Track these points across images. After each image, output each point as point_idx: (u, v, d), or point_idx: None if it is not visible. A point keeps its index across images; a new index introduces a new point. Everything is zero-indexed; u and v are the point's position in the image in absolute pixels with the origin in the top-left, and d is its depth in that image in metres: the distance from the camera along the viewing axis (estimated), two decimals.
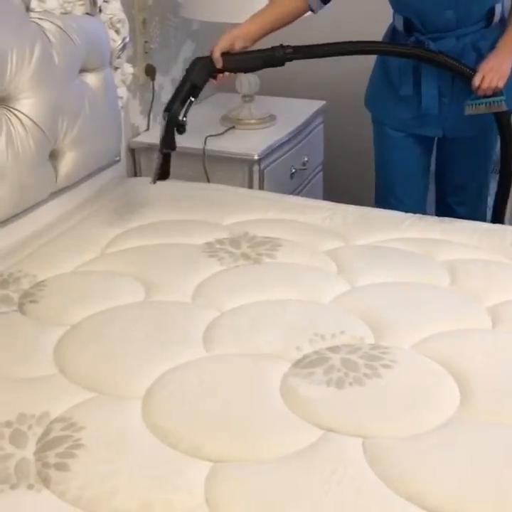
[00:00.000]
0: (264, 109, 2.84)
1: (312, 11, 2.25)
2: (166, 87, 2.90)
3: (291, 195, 2.47)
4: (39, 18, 2.04)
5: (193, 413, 1.40)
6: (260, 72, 2.39)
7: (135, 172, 2.76)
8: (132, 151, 2.74)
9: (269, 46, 2.18)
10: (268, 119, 2.82)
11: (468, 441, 1.33)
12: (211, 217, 2.17)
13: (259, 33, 2.17)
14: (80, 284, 1.84)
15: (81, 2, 2.19)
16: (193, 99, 2.10)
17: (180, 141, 2.65)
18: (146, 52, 2.74)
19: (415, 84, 2.29)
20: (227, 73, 2.17)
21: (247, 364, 1.54)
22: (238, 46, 2.14)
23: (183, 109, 2.08)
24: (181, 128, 2.08)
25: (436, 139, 2.42)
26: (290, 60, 2.21)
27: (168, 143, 2.09)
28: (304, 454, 1.30)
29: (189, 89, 2.10)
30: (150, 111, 2.80)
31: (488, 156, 2.40)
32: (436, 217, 2.16)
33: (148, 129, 2.81)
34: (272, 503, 1.21)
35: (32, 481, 1.25)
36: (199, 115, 2.93)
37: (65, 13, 2.14)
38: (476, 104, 2.20)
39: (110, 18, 2.32)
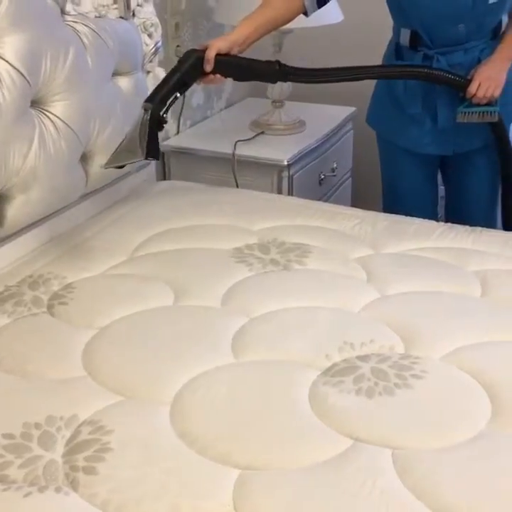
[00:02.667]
0: (294, 115, 2.84)
1: (305, 14, 2.15)
2: (196, 92, 2.91)
3: (320, 202, 2.46)
4: (74, 22, 2.04)
5: (221, 420, 1.39)
6: None
7: (164, 175, 2.76)
8: (162, 155, 2.74)
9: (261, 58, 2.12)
10: (298, 124, 2.82)
11: (500, 454, 1.31)
12: (240, 222, 2.16)
13: (254, 37, 2.06)
14: (109, 287, 1.84)
15: (115, 6, 2.20)
16: (178, 95, 1.94)
17: (211, 145, 2.68)
18: (178, 57, 2.73)
19: (424, 102, 2.27)
20: (218, 75, 2.02)
21: (276, 371, 1.53)
22: (235, 51, 2.03)
23: (166, 105, 1.91)
24: (159, 125, 1.90)
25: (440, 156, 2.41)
26: (284, 80, 2.15)
27: (151, 150, 1.87)
28: (332, 464, 1.29)
29: (177, 83, 1.95)
30: (180, 115, 2.80)
31: (496, 168, 2.34)
32: (467, 227, 2.13)
33: (178, 132, 2.82)
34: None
35: (60, 483, 1.25)
36: (228, 120, 2.94)
37: (99, 17, 2.15)
38: (469, 113, 2.19)
39: (143, 22, 2.33)
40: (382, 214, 2.25)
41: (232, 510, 1.20)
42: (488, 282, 1.85)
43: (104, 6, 2.15)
